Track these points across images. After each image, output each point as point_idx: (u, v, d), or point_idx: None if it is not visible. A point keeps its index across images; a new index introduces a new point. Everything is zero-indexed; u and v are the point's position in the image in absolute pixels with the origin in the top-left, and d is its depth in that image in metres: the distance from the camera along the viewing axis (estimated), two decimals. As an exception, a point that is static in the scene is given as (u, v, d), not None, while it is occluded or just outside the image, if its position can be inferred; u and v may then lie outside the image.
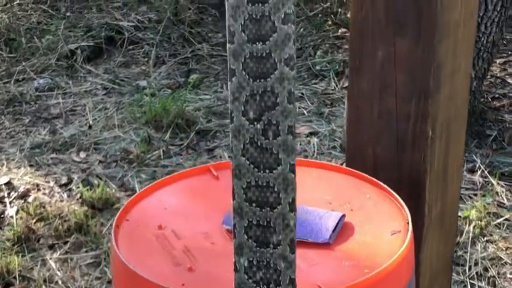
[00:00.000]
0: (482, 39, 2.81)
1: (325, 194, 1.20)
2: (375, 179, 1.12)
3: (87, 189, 2.86)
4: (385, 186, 1.09)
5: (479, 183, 2.68)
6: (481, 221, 2.44)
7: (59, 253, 2.62)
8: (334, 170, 1.22)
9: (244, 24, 0.85)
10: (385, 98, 1.04)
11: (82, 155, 3.21)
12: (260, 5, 0.84)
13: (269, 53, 0.85)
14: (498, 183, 2.67)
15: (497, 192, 2.62)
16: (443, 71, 1.03)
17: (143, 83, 3.78)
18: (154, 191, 1.39)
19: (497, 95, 3.34)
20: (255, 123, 0.87)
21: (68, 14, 4.40)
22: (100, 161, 3.16)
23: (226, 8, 0.87)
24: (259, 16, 0.85)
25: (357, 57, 1.04)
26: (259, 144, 0.88)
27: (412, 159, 1.06)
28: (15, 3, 4.48)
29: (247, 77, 0.86)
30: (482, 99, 3.17)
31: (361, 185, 1.14)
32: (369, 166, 1.11)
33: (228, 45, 0.88)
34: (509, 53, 3.76)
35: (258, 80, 0.86)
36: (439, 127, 1.05)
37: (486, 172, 2.71)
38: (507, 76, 3.56)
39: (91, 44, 4.02)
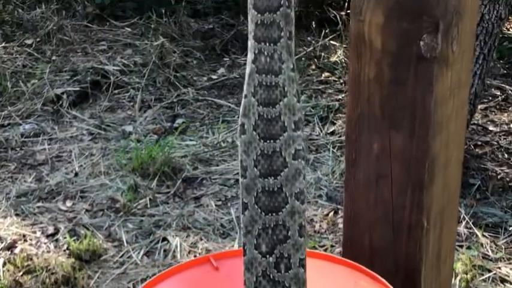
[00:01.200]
0: (465, 91, 2.85)
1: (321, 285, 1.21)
2: (370, 271, 1.14)
3: (74, 240, 2.86)
4: (381, 278, 1.11)
5: (464, 234, 2.72)
6: (466, 274, 2.47)
7: (46, 306, 2.61)
8: (329, 261, 1.24)
9: (257, 160, 0.88)
10: (381, 189, 1.06)
11: (68, 203, 3.21)
12: (272, 141, 0.87)
13: (280, 188, 0.88)
14: (483, 235, 2.71)
15: (482, 244, 2.65)
16: (437, 163, 1.06)
17: (129, 128, 3.80)
18: (154, 285, 1.40)
19: (479, 143, 3.39)
20: (267, 256, 0.90)
21: (53, 58, 4.42)
22: (86, 210, 3.16)
23: (239, 143, 0.90)
24: (270, 152, 0.87)
25: (353, 149, 1.07)
26: (271, 277, 0.90)
27: (407, 248, 1.09)
28: (0, 45, 4.50)
29: (259, 210, 0.88)
30: (464, 147, 3.21)
31: (357, 276, 1.16)
32: (365, 254, 1.14)
33: (240, 179, 0.91)
34: (490, 98, 3.82)
35: (270, 214, 0.88)
36: (433, 217, 1.08)
37: (471, 223, 2.75)
38: (489, 123, 3.62)
39: (77, 88, 4.03)
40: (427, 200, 1.05)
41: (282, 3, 0.97)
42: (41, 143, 3.70)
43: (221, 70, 4.49)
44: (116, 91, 4.15)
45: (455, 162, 1.13)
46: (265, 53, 0.93)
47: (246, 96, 0.96)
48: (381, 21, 1.00)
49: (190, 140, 3.65)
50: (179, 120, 3.87)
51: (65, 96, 3.99)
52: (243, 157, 0.89)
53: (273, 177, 0.88)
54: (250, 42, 0.96)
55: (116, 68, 4.29)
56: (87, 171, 3.42)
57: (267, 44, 0.94)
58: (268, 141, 0.87)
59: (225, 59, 4.63)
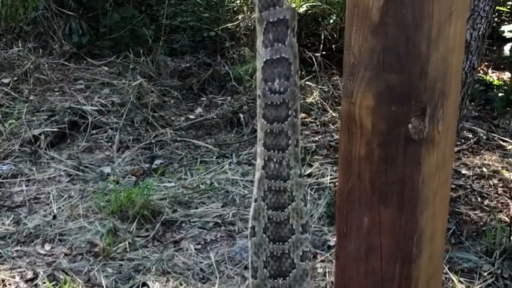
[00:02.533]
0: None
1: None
2: None
3: (53, 285, 2.86)
4: None
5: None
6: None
7: None
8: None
9: (266, 261, 0.92)
10: (370, 261, 1.11)
11: (47, 247, 3.22)
12: (281, 244, 0.92)
13: None
14: (459, 281, 2.76)
15: (457, 290, 2.70)
16: (425, 237, 1.11)
17: (107, 170, 3.82)
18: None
19: (453, 186, 3.46)
20: None
21: (31, 97, 4.43)
22: (66, 254, 3.16)
23: (249, 245, 0.95)
24: (280, 254, 0.92)
25: (344, 222, 1.11)
26: None
27: (395, 318, 1.13)
28: (-23, 85, 4.51)
29: None
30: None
31: None
32: (355, 323, 1.18)
33: (251, 279, 0.95)
34: (463, 141, 3.90)
35: None
36: (420, 287, 1.13)
37: (446, 268, 2.80)
38: (462, 166, 3.69)
39: (54, 129, 4.05)
40: (415, 272, 1.10)
41: (289, 113, 1.04)
42: (18, 184, 3.70)
43: (198, 110, 4.53)
44: (94, 131, 4.17)
45: (440, 233, 1.19)
46: (274, 160, 0.99)
47: (256, 200, 1.01)
48: (371, 104, 1.05)
49: (169, 182, 3.67)
50: (157, 162, 3.89)
51: (42, 136, 4.01)
52: (254, 258, 0.93)
53: (282, 278, 0.92)
54: (260, 149, 1.02)
55: (93, 108, 4.31)
56: (66, 213, 3.43)
57: (276, 152, 1.00)
58: (277, 243, 0.92)
59: (202, 98, 4.67)
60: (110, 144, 4.07)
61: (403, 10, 1.01)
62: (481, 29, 2.88)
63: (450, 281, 2.78)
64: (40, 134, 4.03)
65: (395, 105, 1.04)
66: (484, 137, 4.00)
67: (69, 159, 3.91)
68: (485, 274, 2.78)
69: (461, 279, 2.79)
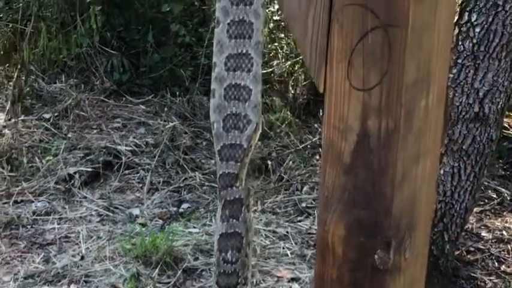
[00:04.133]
0: (456, 206, 2.99)
1: None
2: None
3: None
4: None
5: None
6: None
7: None
8: None
9: None
10: None
11: (73, 287, 3.36)
12: None
13: None
14: None
15: None
16: None
17: (136, 211, 3.95)
18: None
19: (472, 249, 3.51)
20: None
21: (69, 135, 4.60)
22: (90, 296, 3.30)
23: None
24: None
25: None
26: None
27: None
28: (19, 119, 4.69)
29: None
30: (456, 253, 3.33)
31: None
32: None
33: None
34: (486, 201, 3.94)
35: None
36: None
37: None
38: (482, 227, 3.74)
39: (89, 169, 4.20)
40: None
41: (239, 281, 1.18)
42: (51, 221, 3.86)
43: (229, 153, 4.64)
44: (127, 171, 4.31)
45: None
46: None
47: None
48: (343, 234, 1.15)
49: (194, 227, 3.79)
50: (185, 205, 4.02)
51: (77, 175, 4.16)
52: None
53: None
54: None
55: (128, 148, 4.46)
56: (93, 254, 3.56)
57: None
58: None
59: (234, 142, 4.78)
60: (141, 185, 4.20)
61: (370, 156, 1.10)
62: (500, 103, 2.95)
63: None
64: (75, 173, 4.18)
65: (363, 237, 1.14)
66: (508, 198, 4.04)
67: (101, 199, 4.05)
68: None
69: None
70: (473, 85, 2.92)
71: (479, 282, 3.27)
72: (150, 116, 4.98)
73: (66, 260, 3.52)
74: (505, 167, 4.37)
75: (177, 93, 5.09)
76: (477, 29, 2.83)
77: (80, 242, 3.68)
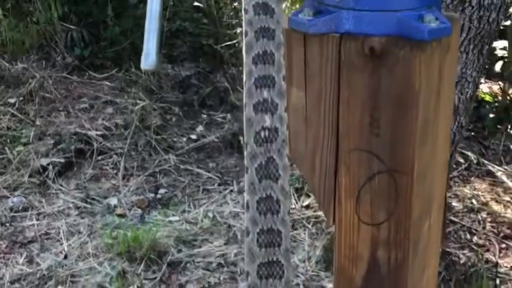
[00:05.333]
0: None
1: None
2: None
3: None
4: None
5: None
6: None
7: None
8: None
9: None
10: None
11: (60, 290, 3.42)
12: None
13: None
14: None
15: None
16: None
17: (114, 201, 3.99)
18: None
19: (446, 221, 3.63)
20: None
21: (37, 121, 4.57)
22: (78, 298, 3.36)
23: None
24: None
25: None
26: None
27: None
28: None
29: None
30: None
31: None
32: None
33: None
34: (454, 166, 4.05)
35: None
36: None
37: (435, 320, 2.99)
38: (453, 197, 3.86)
39: (62, 160, 4.20)
40: None
41: None
42: (29, 218, 3.88)
43: (199, 128, 4.68)
44: (100, 157, 4.32)
45: None
46: None
47: None
48: None
49: (173, 216, 3.85)
50: (161, 191, 4.06)
51: (50, 167, 4.16)
52: None
53: None
54: None
55: (98, 132, 4.45)
56: (76, 252, 3.61)
57: None
58: None
59: (203, 115, 4.81)
60: (115, 171, 4.22)
61: (381, 281, 1.17)
62: (469, 93, 3.02)
63: (438, 333, 2.98)
64: (48, 164, 4.18)
65: None
66: (475, 162, 4.16)
67: (77, 190, 4.07)
68: (471, 326, 2.98)
69: (449, 330, 2.99)
70: (443, 78, 2.97)
71: (453, 258, 3.41)
72: (116, 93, 4.96)
73: (50, 261, 3.56)
74: (469, 127, 4.46)
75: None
76: (445, 25, 2.87)
77: (61, 238, 3.72)
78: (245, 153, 0.94)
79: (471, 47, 2.92)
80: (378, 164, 1.11)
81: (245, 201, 0.93)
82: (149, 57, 1.06)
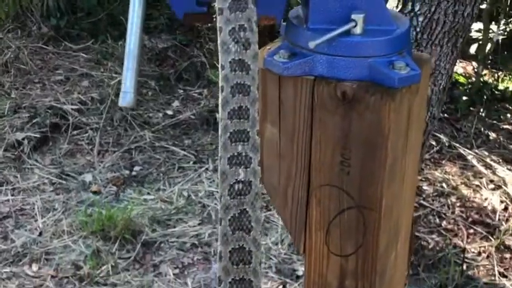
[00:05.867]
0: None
1: None
2: None
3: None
4: None
5: (396, 316, 3.04)
6: None
7: None
8: None
9: None
10: None
11: (34, 267, 3.45)
12: None
13: None
14: (412, 318, 3.05)
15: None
16: None
17: (89, 178, 4.01)
18: None
19: (415, 205, 3.70)
20: None
21: (12, 94, 4.55)
22: (52, 276, 3.40)
23: None
24: None
25: None
26: None
27: None
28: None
29: None
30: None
31: None
32: None
33: None
34: (427, 149, 4.11)
35: None
36: None
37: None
38: (424, 180, 3.93)
39: (37, 135, 4.20)
40: None
41: None
42: (4, 193, 3.89)
43: (176, 103, 4.69)
44: (75, 132, 4.33)
45: None
46: None
47: None
48: None
49: (148, 194, 3.88)
50: (137, 168, 4.09)
51: (26, 141, 4.16)
52: None
53: None
54: None
55: (73, 106, 4.45)
56: (51, 229, 3.64)
57: None
58: None
59: (179, 90, 4.82)
60: (90, 147, 4.24)
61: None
62: (442, 84, 3.06)
63: (405, 318, 3.06)
64: (23, 139, 4.18)
65: None
66: (447, 144, 4.23)
67: (52, 165, 4.09)
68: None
69: (415, 316, 3.08)
70: (417, 69, 3.01)
71: (422, 242, 3.49)
72: (92, 65, 4.95)
73: (25, 238, 3.59)
74: (442, 109, 4.51)
75: (118, 37, 5.04)
76: (420, 18, 2.90)
77: (36, 214, 3.74)
78: (219, 205, 0.98)
79: (445, 40, 2.96)
80: (348, 200, 1.15)
81: (218, 251, 0.97)
82: (127, 96, 1.09)
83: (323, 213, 1.18)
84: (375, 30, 1.11)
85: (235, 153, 0.97)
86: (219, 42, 0.99)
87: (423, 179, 3.94)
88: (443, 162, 4.11)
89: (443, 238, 3.52)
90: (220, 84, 0.99)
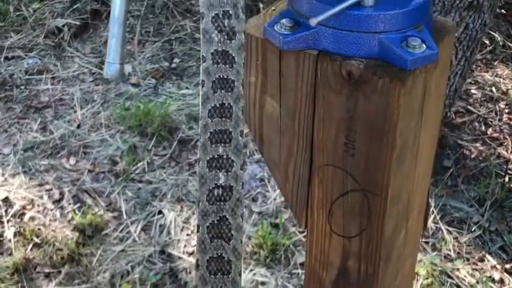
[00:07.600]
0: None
1: None
2: None
3: (78, 209, 3.15)
4: None
5: (431, 229, 2.99)
6: (427, 279, 2.78)
7: (54, 283, 2.95)
8: None
9: None
10: None
11: (72, 160, 3.46)
12: None
13: None
14: (448, 231, 2.98)
15: (445, 242, 2.93)
16: None
17: (128, 69, 3.95)
18: None
19: (460, 109, 3.57)
20: None
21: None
22: (89, 170, 3.41)
23: None
24: None
25: None
26: None
27: None
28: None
29: None
30: (444, 115, 3.39)
31: None
32: None
33: None
34: (478, 49, 3.92)
35: None
36: None
37: (438, 218, 3.01)
38: (473, 83, 3.76)
39: (77, 22, 4.13)
40: None
41: None
42: (44, 81, 3.87)
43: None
44: (116, 19, 4.24)
45: None
46: None
47: None
48: None
49: (187, 88, 3.82)
50: (176, 60, 4.01)
51: (66, 28, 4.10)
52: None
53: None
54: None
55: (115, -8, 4.34)
56: (89, 122, 3.63)
57: None
58: None
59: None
60: (131, 35, 4.15)
61: (350, 291, 1.15)
62: (496, -10, 2.86)
63: (440, 232, 3.00)
64: (63, 26, 4.12)
65: None
66: (501, 44, 4.01)
67: (92, 54, 4.03)
68: (474, 227, 2.99)
69: (451, 229, 3.01)
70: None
71: (464, 151, 3.37)
72: None
73: (63, 130, 3.59)
74: (500, 4, 4.26)
75: None
76: None
77: (75, 105, 3.73)
78: (197, 210, 0.90)
79: None
80: (352, 183, 1.06)
81: (195, 259, 0.90)
82: (112, 67, 1.00)
83: (325, 193, 1.09)
84: (389, 1, 0.97)
85: (216, 156, 0.88)
86: (200, 30, 0.88)
87: (472, 82, 3.77)
88: (495, 63, 3.92)
89: (487, 147, 3.40)
90: (200, 79, 0.89)
